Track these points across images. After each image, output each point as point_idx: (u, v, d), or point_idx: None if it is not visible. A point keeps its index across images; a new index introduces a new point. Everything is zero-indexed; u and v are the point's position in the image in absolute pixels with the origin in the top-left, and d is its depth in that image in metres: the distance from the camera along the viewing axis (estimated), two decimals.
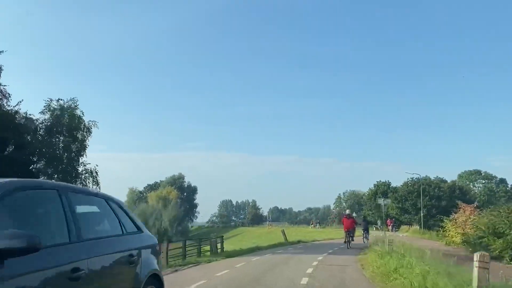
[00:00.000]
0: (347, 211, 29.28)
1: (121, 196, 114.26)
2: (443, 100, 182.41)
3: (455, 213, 31.60)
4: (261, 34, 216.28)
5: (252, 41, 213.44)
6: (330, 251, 22.31)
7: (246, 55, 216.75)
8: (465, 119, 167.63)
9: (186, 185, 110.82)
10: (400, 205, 65.36)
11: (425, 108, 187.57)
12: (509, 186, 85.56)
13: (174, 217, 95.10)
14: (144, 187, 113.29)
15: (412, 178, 67.53)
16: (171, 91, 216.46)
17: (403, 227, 63.99)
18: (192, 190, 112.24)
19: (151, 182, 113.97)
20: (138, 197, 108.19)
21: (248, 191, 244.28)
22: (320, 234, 66.41)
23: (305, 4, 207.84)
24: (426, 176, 69.41)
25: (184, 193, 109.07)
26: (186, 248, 22.85)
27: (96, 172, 27.76)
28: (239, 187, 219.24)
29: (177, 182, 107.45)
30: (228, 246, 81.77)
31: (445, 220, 32.20)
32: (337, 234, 54.95)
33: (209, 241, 25.04)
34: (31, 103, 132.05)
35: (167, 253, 18.48)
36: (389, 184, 72.38)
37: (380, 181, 73.28)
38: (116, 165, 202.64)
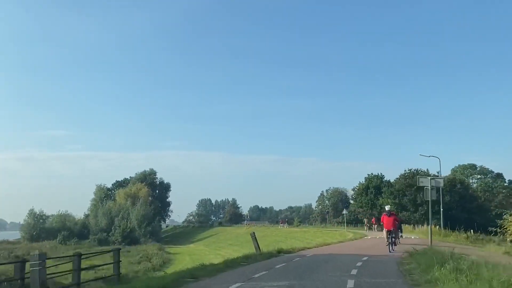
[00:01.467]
0: (387, 207, 20.70)
1: (89, 194, 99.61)
2: (424, 98, 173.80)
3: None
4: (244, 33, 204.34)
5: (233, 40, 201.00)
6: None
7: (228, 54, 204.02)
8: (445, 118, 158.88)
9: (158, 182, 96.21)
10: (397, 201, 52.76)
11: (406, 108, 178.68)
12: (507, 181, 73.97)
13: (142, 216, 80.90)
14: (112, 184, 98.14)
15: (410, 170, 54.99)
16: (149, 90, 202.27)
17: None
18: (165, 187, 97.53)
19: (120, 179, 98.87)
20: (106, 194, 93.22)
21: (229, 190, 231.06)
22: (304, 235, 53.08)
23: (288, 4, 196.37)
24: (418, 169, 56.81)
25: (156, 191, 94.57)
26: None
27: None
28: (219, 186, 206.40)
29: (148, 178, 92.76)
30: (200, 248, 67.73)
31: (505, 217, 19.35)
32: (331, 236, 41.76)
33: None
34: None
35: None
36: (382, 177, 59.79)
37: (372, 174, 60.75)
38: (94, 164, 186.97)
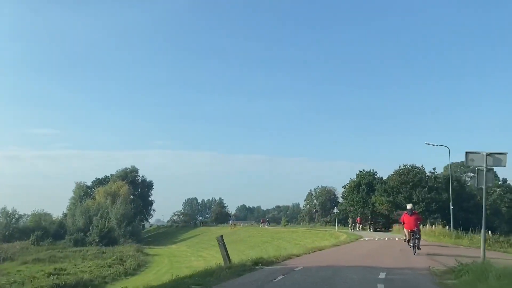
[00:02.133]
0: (409, 206, 18.07)
1: (69, 192, 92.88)
2: (414, 97, 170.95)
3: None
4: (232, 33, 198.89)
5: (222, 40, 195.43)
6: None
7: (217, 54, 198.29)
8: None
9: (140, 180, 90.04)
10: (391, 199, 47.84)
11: (396, 108, 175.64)
12: (501, 179, 69.62)
13: (122, 215, 74.87)
14: (92, 182, 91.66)
15: (405, 166, 50.14)
16: (138, 88, 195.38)
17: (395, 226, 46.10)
18: (147, 186, 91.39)
19: (101, 176, 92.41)
20: (85, 192, 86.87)
21: (216, 189, 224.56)
22: (292, 235, 47.74)
23: (273, 6, 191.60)
24: (414, 164, 52.00)
25: (138, 189, 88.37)
26: None
27: None
28: (207, 185, 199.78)
29: (129, 176, 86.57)
30: (182, 249, 61.80)
31: None
32: (321, 237, 36.41)
33: None
34: None
35: None
36: (374, 174, 54.79)
37: (364, 170, 55.62)
38: (80, 163, 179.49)
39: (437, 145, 27.93)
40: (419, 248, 16.57)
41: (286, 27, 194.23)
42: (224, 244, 11.77)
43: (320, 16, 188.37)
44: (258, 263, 12.09)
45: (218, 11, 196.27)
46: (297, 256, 15.55)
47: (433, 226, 27.30)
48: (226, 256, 11.66)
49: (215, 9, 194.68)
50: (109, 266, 42.23)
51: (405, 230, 17.99)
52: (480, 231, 24.56)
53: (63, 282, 31.90)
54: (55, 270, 38.32)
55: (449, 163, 30.80)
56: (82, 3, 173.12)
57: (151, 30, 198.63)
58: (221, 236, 12.03)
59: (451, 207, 27.80)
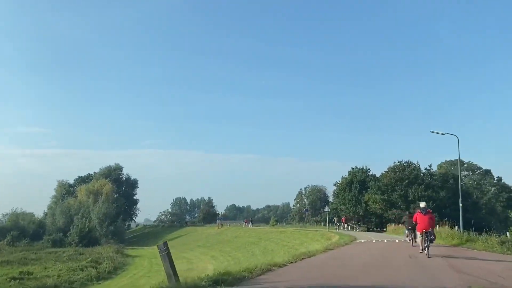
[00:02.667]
0: (422, 204, 15.23)
1: (51, 190, 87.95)
2: (406, 96, 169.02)
3: None
4: (221, 33, 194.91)
5: (213, 39, 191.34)
6: None
7: (208, 53, 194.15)
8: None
9: (124, 178, 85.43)
10: (386, 197, 44.18)
11: (387, 107, 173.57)
12: (495, 178, 66.62)
13: (104, 214, 70.38)
14: (74, 180, 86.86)
15: (400, 162, 46.52)
16: (129, 88, 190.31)
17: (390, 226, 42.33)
18: (132, 184, 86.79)
19: (83, 174, 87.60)
20: (67, 191, 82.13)
21: (206, 189, 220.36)
22: (280, 235, 43.92)
23: (264, 6, 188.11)
24: (408, 161, 48.49)
25: (122, 187, 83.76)
26: None
27: None
28: (197, 185, 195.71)
29: (113, 174, 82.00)
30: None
31: None
32: (311, 238, 32.79)
33: None
34: None
35: None
36: (367, 170, 51.13)
37: (356, 167, 51.91)
38: (71, 162, 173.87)
39: (444, 134, 24.28)
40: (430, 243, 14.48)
41: (279, 25, 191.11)
42: (168, 254, 7.72)
43: (311, 15, 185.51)
44: (219, 281, 8.06)
45: (211, 10, 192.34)
46: (280, 266, 11.51)
47: (437, 226, 23.63)
48: (171, 272, 7.59)
49: (208, 7, 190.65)
50: (81, 270, 38.08)
51: (416, 231, 15.63)
52: (494, 232, 21.15)
53: None
54: (20, 274, 34.39)
55: (458, 156, 26.49)
56: (72, 1, 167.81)
57: (143, 29, 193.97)
58: (165, 243, 7.93)
59: (460, 204, 24.12)
